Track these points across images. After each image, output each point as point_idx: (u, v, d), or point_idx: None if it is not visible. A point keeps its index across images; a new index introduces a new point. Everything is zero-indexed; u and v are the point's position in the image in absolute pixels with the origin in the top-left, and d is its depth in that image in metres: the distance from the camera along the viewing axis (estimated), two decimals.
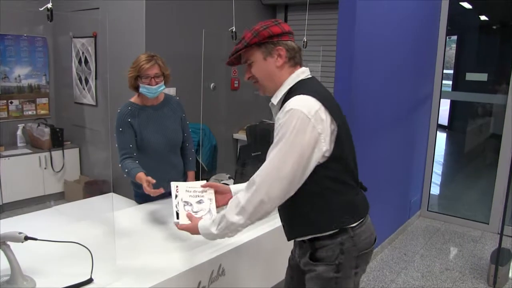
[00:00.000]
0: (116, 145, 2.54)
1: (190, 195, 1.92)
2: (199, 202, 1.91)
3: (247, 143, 3.40)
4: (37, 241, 1.66)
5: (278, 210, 1.79)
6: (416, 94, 4.50)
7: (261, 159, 2.65)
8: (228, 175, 2.64)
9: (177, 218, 1.86)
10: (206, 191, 1.96)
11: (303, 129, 1.50)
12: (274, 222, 2.34)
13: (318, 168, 1.58)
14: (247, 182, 1.62)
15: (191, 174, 2.83)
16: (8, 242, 1.66)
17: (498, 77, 4.66)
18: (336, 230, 1.63)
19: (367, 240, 1.70)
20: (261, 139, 3.28)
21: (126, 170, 2.47)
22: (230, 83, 4.99)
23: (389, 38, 3.65)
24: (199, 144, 3.71)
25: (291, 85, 1.66)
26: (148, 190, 2.28)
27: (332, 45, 3.24)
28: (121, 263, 1.85)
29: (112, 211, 2.05)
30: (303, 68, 1.71)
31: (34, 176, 5.06)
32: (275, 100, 1.69)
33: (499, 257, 3.40)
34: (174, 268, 1.86)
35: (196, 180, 2.81)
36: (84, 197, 4.91)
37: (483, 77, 4.67)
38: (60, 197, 5.34)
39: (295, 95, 1.57)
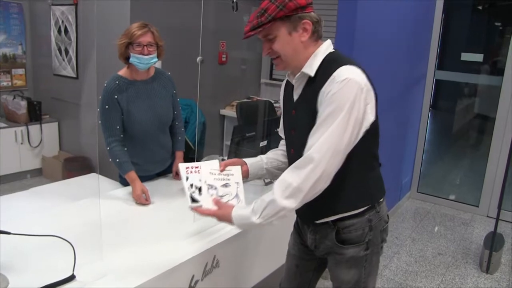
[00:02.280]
0: (100, 122, 2.33)
1: (215, 178, 1.69)
2: (225, 185, 1.69)
3: (239, 122, 3.23)
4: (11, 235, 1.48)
5: None
6: (411, 74, 4.36)
7: (255, 139, 2.52)
8: (221, 157, 2.46)
9: (192, 202, 1.63)
10: (233, 174, 1.73)
11: (358, 100, 1.43)
12: None
13: (358, 143, 1.50)
14: (298, 160, 1.45)
15: (179, 154, 2.65)
16: None
17: (489, 57, 4.54)
18: (366, 207, 1.59)
19: (386, 212, 1.70)
20: (252, 117, 3.11)
21: (117, 160, 2.32)
22: (218, 57, 4.77)
23: (388, 17, 3.49)
24: (186, 121, 3.52)
25: (324, 56, 1.54)
26: (140, 200, 2.23)
27: (332, 20, 3.06)
28: (106, 257, 1.68)
29: (99, 200, 1.86)
30: (329, 41, 1.60)
31: (9, 151, 4.80)
32: (311, 70, 1.53)
33: (493, 242, 3.33)
34: (164, 262, 1.69)
35: (184, 161, 2.65)
36: (63, 174, 4.71)
37: (478, 57, 4.54)
38: (38, 174, 5.10)
39: (339, 65, 1.46)
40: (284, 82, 1.76)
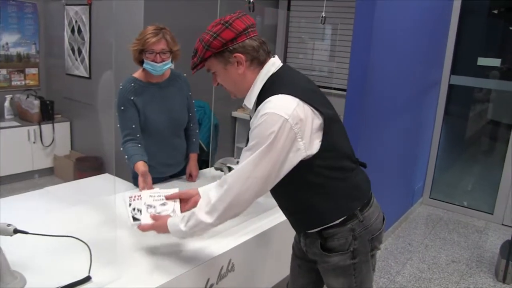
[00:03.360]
0: (118, 125, 2.31)
1: (154, 199, 1.85)
2: (163, 204, 1.83)
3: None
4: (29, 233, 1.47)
5: (281, 206, 1.71)
6: (425, 79, 4.31)
7: None
8: (237, 160, 2.43)
9: (134, 220, 1.84)
10: (169, 194, 1.87)
11: (279, 133, 1.39)
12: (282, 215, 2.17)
13: (314, 159, 1.48)
14: (219, 180, 1.54)
15: (193, 156, 2.62)
16: None
17: (505, 62, 4.48)
18: (345, 217, 1.56)
19: (377, 220, 1.64)
20: None
21: (126, 156, 2.28)
22: None
23: (405, 19, 3.45)
24: (199, 123, 3.50)
25: (263, 83, 1.52)
26: (141, 185, 2.15)
27: (350, 17, 3.02)
28: (122, 259, 1.65)
29: (115, 201, 1.85)
30: (272, 60, 1.56)
31: (22, 150, 4.82)
32: (249, 103, 1.56)
33: (510, 251, 3.27)
34: (180, 265, 1.67)
35: (198, 163, 2.64)
36: (75, 174, 4.71)
37: (496, 62, 4.48)
38: (49, 173, 5.11)
39: (270, 95, 1.44)
40: None
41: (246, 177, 1.43)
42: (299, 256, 1.84)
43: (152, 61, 2.25)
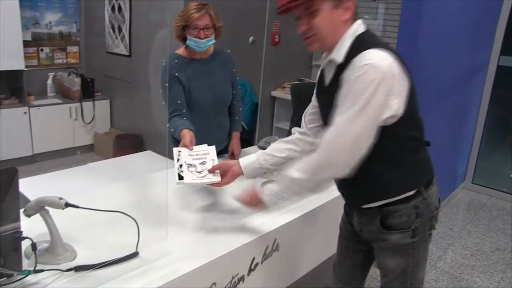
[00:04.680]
0: (163, 103, 2.30)
1: (193, 158, 1.91)
2: (202, 163, 1.88)
3: (293, 104, 3.14)
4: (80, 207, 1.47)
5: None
6: (472, 61, 4.14)
7: None
8: (279, 138, 2.39)
9: (179, 179, 1.81)
10: (208, 153, 1.94)
11: (378, 87, 1.34)
12: (329, 193, 2.14)
13: (393, 126, 1.43)
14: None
15: (236, 134, 2.59)
16: (47, 207, 1.48)
17: None
18: (411, 193, 1.52)
19: (437, 199, 1.62)
20: (308, 99, 3.00)
21: (172, 130, 2.23)
22: (271, 38, 4.68)
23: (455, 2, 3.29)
24: None
25: (352, 39, 1.46)
26: (183, 143, 2.04)
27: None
28: (170, 236, 1.65)
29: (166, 180, 1.84)
30: (359, 21, 1.51)
31: (64, 127, 4.93)
32: (339, 56, 1.46)
33: None
34: (226, 244, 1.66)
35: (240, 142, 2.61)
36: (114, 151, 4.78)
37: None
38: (89, 150, 5.21)
39: (365, 49, 1.39)
40: (321, 68, 1.70)
41: (343, 135, 1.39)
42: (347, 237, 1.81)
43: (196, 37, 2.22)
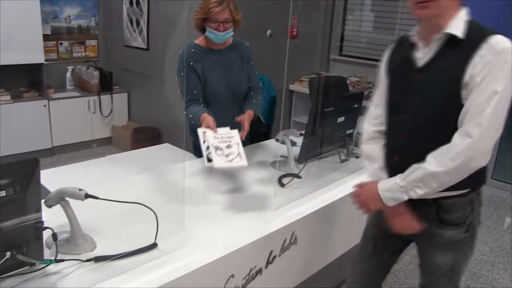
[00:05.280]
0: (179, 91, 2.30)
1: (219, 141, 1.93)
2: (228, 146, 1.92)
3: (311, 97, 3.12)
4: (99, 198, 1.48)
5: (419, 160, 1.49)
6: None
7: (333, 115, 2.42)
8: (299, 132, 2.39)
9: (208, 161, 1.85)
10: (233, 136, 1.97)
11: None
12: (348, 187, 2.12)
13: None
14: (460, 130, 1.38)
15: (249, 111, 2.36)
16: (67, 198, 1.49)
17: None
18: (471, 188, 1.49)
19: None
20: (326, 92, 2.99)
21: (191, 116, 2.20)
22: (289, 31, 4.65)
23: None
24: None
25: (466, 21, 1.43)
26: (205, 125, 2.03)
27: None
28: (188, 227, 1.66)
29: (183, 172, 1.85)
30: (465, 10, 1.48)
31: (83, 120, 4.98)
32: (459, 32, 1.40)
33: None
34: (244, 236, 1.66)
35: (255, 136, 2.60)
36: (132, 144, 4.82)
37: None
38: (107, 143, 5.26)
39: (491, 33, 1.36)
40: (391, 48, 1.65)
41: (493, 123, 1.33)
42: (378, 236, 1.75)
43: (215, 29, 2.22)
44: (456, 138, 1.37)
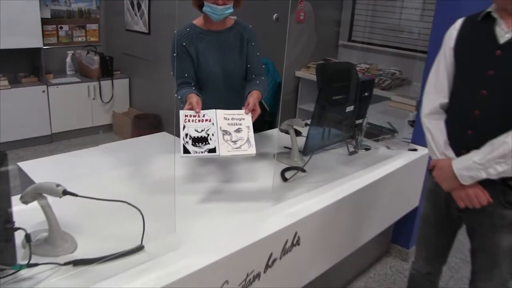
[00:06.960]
0: (171, 73, 2.14)
1: (228, 123, 1.76)
2: (237, 130, 1.75)
3: (319, 85, 2.95)
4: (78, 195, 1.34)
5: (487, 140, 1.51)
6: None
7: (341, 103, 2.27)
8: (304, 121, 2.22)
9: (184, 152, 1.65)
10: (244, 119, 1.80)
11: None
12: (353, 184, 2.00)
13: None
14: None
15: (255, 92, 2.09)
16: (45, 195, 1.35)
17: None
18: None
19: None
20: (335, 80, 2.82)
21: (179, 97, 2.05)
22: (296, 15, 4.46)
23: None
24: None
25: None
26: (188, 106, 1.84)
27: None
28: (179, 228, 1.51)
29: (174, 162, 1.69)
30: None
31: (82, 106, 4.85)
32: None
33: None
34: (240, 238, 1.52)
35: (260, 124, 2.43)
36: (132, 132, 4.69)
37: None
38: (108, 129, 5.13)
39: None
40: (458, 24, 1.64)
41: None
42: (442, 217, 1.75)
43: (213, 3, 2.04)
44: None
